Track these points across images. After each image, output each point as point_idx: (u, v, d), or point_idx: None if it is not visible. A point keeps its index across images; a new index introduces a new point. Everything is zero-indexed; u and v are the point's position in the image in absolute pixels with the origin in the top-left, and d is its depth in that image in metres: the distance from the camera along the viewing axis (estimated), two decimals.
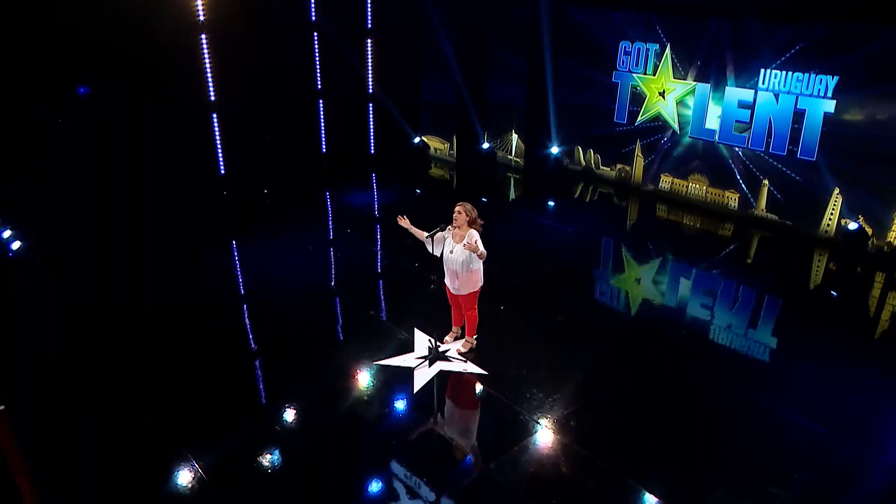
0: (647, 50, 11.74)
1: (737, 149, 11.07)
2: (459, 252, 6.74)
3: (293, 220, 11.24)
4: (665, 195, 12.24)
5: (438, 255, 6.87)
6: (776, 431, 6.21)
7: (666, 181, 12.22)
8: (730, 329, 8.02)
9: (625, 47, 12.03)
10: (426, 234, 6.78)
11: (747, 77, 10.61)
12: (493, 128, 14.24)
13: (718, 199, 11.55)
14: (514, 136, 14.06)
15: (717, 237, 10.96)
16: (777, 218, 10.89)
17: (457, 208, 6.76)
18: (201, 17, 10.76)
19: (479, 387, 6.82)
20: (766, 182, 10.85)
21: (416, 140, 14.56)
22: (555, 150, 13.40)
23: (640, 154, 12.47)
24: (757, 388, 6.86)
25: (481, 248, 6.58)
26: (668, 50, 11.48)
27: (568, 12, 12.56)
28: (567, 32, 12.65)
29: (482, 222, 6.81)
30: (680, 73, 11.46)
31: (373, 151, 14.27)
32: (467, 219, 6.73)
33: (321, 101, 13.15)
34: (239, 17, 11.10)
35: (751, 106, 10.63)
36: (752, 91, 10.56)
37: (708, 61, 11.04)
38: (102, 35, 9.68)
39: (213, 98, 11.29)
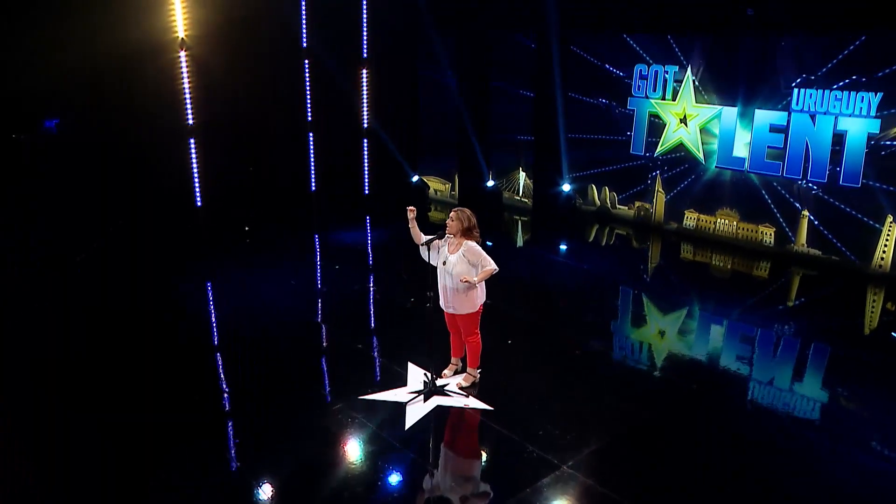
0: (666, 73, 11.59)
1: (770, 178, 10.73)
2: (453, 263, 6.31)
3: (275, 256, 11.03)
4: (690, 234, 11.86)
5: (434, 265, 6.44)
6: (821, 486, 5.55)
7: (691, 218, 11.84)
8: (771, 384, 7.26)
9: (640, 71, 11.88)
10: (423, 239, 6.36)
11: (779, 98, 10.37)
12: (499, 165, 14.05)
13: (752, 236, 11.13)
14: (522, 175, 13.84)
15: (752, 278, 10.50)
16: (820, 253, 10.43)
17: (451, 215, 6.38)
18: (181, 34, 10.57)
19: (483, 423, 6.24)
20: (805, 213, 10.46)
21: (415, 179, 14.18)
22: (566, 187, 13.11)
23: (660, 189, 12.14)
24: (796, 435, 6.28)
25: (482, 272, 6.26)
26: (688, 72, 11.32)
27: (577, 38, 12.52)
28: (576, 59, 12.60)
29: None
30: (703, 97, 11.27)
31: (367, 191, 13.96)
32: (461, 227, 6.32)
33: (311, 135, 12.87)
34: (223, 36, 10.93)
35: (784, 129, 10.35)
36: (785, 113, 10.30)
37: (734, 82, 10.83)
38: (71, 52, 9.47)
39: (190, 122, 10.97)
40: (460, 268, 6.26)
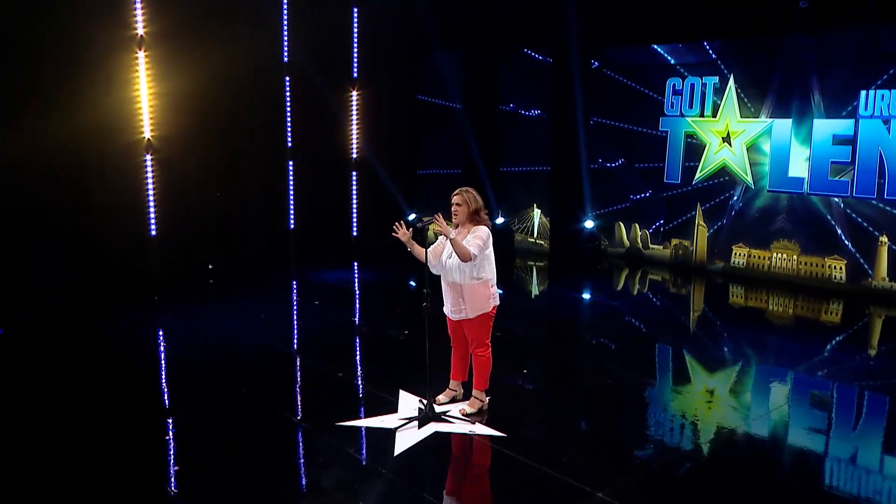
0: (704, 85, 11.48)
1: (837, 199, 10.40)
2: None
3: (243, 292, 10.80)
4: (740, 273, 11.46)
5: (435, 267, 6.19)
6: None
7: (740, 255, 11.48)
8: (854, 463, 6.12)
9: (674, 85, 11.77)
10: (430, 249, 6.14)
11: (842, 103, 10.16)
12: (510, 202, 13.83)
13: (817, 271, 10.73)
14: (537, 213, 13.60)
15: (821, 324, 9.94)
16: None
17: (454, 198, 6.10)
18: (140, 30, 10.43)
19: (494, 449, 5.76)
20: (884, 240, 10.07)
21: (412, 218, 13.77)
22: (589, 224, 12.85)
23: (701, 222, 11.83)
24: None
25: (473, 247, 5.88)
26: (731, 82, 11.18)
27: (599, 51, 12.49)
28: (599, 76, 12.54)
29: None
30: (749, 110, 11.08)
31: (356, 232, 13.66)
32: (468, 211, 6.04)
33: (291, 163, 12.64)
34: (188, 36, 10.82)
35: (851, 140, 10.10)
36: (851, 120, 10.07)
37: (785, 89, 10.66)
38: None
39: (147, 135, 10.67)
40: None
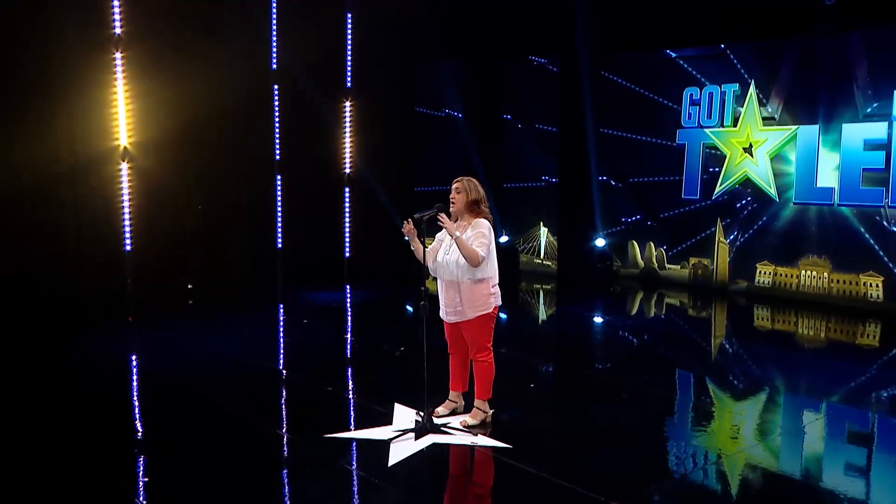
0: (724, 93, 11.53)
1: (871, 210, 10.34)
2: (456, 248, 5.89)
3: (225, 313, 10.70)
4: (766, 293, 11.38)
5: (432, 269, 6.19)
6: None
7: (766, 273, 11.42)
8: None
9: (691, 95, 11.86)
10: (430, 249, 6.13)
11: (874, 104, 10.16)
12: (515, 220, 13.88)
13: (851, 290, 10.63)
14: (544, 231, 13.61)
15: (857, 348, 9.71)
16: None
17: (455, 185, 6.05)
18: (117, 30, 10.38)
19: (498, 460, 5.57)
20: None
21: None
22: (600, 242, 12.85)
23: (722, 239, 11.80)
24: None
25: (472, 243, 5.82)
26: (752, 88, 11.23)
27: (610, 58, 12.59)
28: (611, 86, 12.64)
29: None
30: (772, 117, 11.10)
31: (348, 253, 13.54)
32: (467, 200, 5.98)
33: (279, 178, 12.53)
34: (171, 37, 10.79)
35: (885, 145, 10.10)
36: (885, 123, 10.07)
37: (811, 93, 10.68)
38: None
39: (124, 142, 10.62)
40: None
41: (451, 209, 5.97)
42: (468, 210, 5.92)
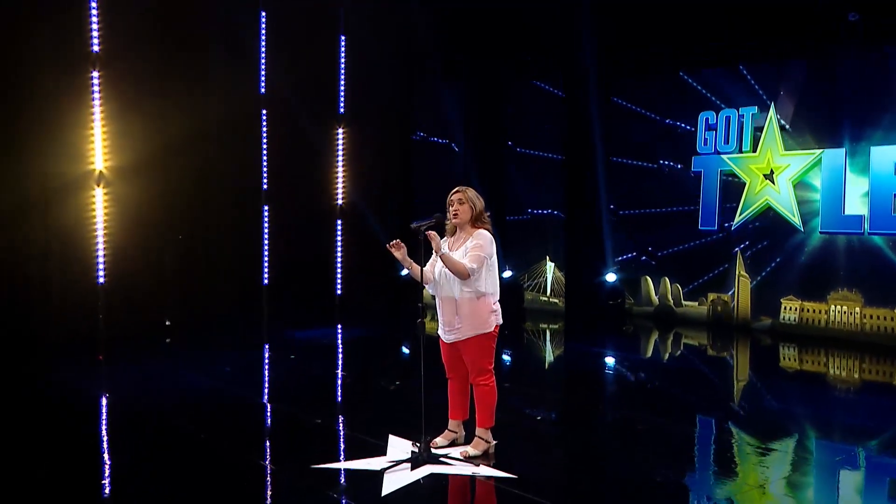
0: (741, 117, 11.51)
1: None
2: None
3: (205, 351, 10.60)
4: (792, 330, 11.20)
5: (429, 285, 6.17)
6: None
7: (791, 309, 11.26)
8: None
9: (707, 120, 11.82)
10: (427, 266, 6.08)
11: None
12: (519, 254, 13.77)
13: (886, 325, 10.44)
14: (550, 267, 13.49)
15: (893, 389, 9.50)
16: None
17: (456, 195, 5.98)
18: (95, 47, 10.49)
19: (501, 489, 5.46)
20: None
21: (405, 273, 13.55)
22: (610, 277, 12.78)
23: (743, 273, 11.68)
24: None
25: (467, 257, 5.81)
26: (772, 110, 11.18)
27: (619, 81, 12.65)
28: (621, 112, 12.65)
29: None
30: (794, 141, 11.05)
31: (340, 290, 13.54)
32: (472, 214, 5.92)
33: (266, 208, 12.56)
34: (152, 56, 10.90)
35: None
36: None
37: (836, 114, 10.64)
38: None
39: (99, 166, 10.69)
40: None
41: (453, 221, 5.90)
42: (471, 223, 5.86)
